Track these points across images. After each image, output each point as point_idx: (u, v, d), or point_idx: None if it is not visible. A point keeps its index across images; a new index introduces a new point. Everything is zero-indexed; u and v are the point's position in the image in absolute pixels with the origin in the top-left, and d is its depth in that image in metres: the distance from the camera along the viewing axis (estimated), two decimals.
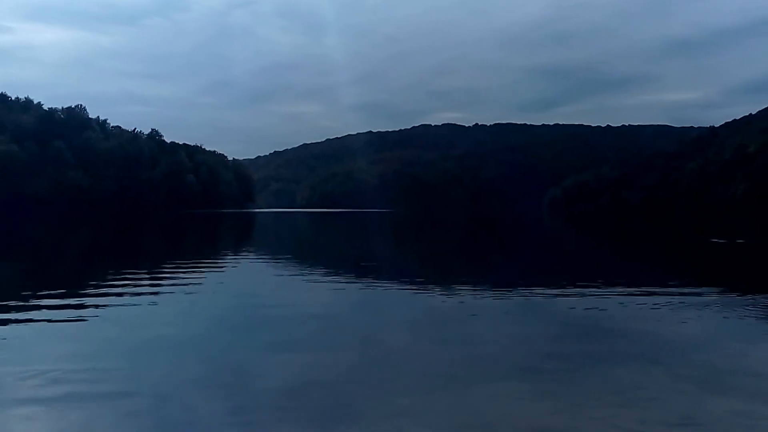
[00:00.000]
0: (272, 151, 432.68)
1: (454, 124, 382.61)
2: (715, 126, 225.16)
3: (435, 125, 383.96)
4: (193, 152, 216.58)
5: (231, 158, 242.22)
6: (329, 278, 21.82)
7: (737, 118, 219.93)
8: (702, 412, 7.52)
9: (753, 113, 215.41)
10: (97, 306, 15.08)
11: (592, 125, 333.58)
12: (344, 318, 14.45)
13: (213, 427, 7.20)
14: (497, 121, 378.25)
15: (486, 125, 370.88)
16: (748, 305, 15.29)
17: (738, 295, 16.87)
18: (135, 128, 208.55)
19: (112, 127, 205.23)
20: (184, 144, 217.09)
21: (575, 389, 8.52)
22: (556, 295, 17.05)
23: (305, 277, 22.38)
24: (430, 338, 12.10)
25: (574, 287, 18.46)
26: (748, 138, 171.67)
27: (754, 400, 7.89)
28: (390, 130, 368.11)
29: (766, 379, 8.97)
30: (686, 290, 17.69)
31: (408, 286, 19.27)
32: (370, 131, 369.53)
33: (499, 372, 9.42)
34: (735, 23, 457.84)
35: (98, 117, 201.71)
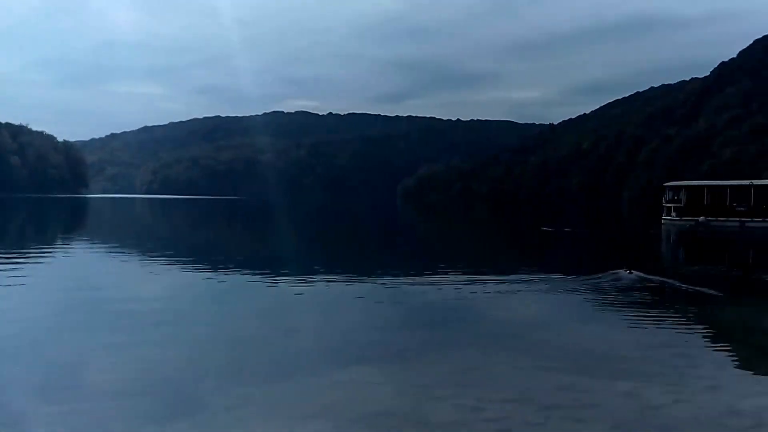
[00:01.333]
0: (109, 134, 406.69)
1: (308, 112, 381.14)
2: (554, 123, 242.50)
3: (288, 112, 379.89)
4: (18, 132, 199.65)
5: (62, 140, 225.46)
6: (170, 268, 21.03)
7: (573, 117, 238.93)
8: (535, 387, 8.03)
9: (587, 113, 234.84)
10: None
11: (444, 119, 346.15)
12: (186, 308, 14.00)
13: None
14: (352, 111, 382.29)
15: (340, 114, 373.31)
16: (573, 287, 16.72)
17: (564, 278, 18.42)
18: None
19: None
20: (7, 123, 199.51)
21: (419, 372, 8.81)
22: (405, 282, 17.53)
23: (143, 267, 21.42)
24: (275, 327, 12.00)
25: (422, 274, 19.09)
26: (582, 136, 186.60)
27: (581, 375, 8.56)
28: (240, 115, 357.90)
29: (592, 355, 9.77)
30: (523, 275, 18.88)
31: (255, 276, 19.02)
32: (219, 116, 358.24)
33: (345, 359, 9.51)
34: (571, 29, 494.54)
35: None
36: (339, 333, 11.46)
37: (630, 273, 19.29)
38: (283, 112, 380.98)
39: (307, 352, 10.00)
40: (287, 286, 16.85)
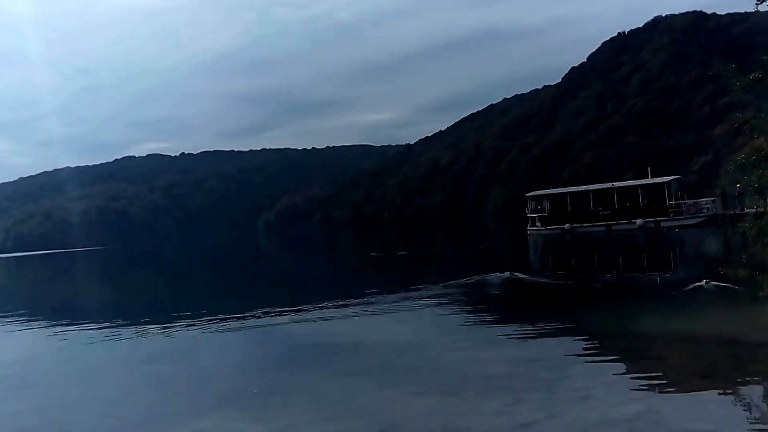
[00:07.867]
0: None
1: (160, 154, 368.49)
2: (411, 143, 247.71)
3: (140, 156, 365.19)
4: None
5: None
6: (30, 326, 20.15)
7: (429, 135, 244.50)
8: (404, 415, 7.87)
9: (442, 129, 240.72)
10: None
11: (299, 148, 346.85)
12: (50, 369, 13.49)
13: None
14: (205, 149, 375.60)
15: (193, 153, 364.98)
16: (443, 301, 17.07)
17: (430, 290, 18.83)
18: None
19: None
20: None
21: (286, 410, 8.55)
22: (269, 318, 16.97)
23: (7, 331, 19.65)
24: (141, 380, 11.53)
25: (287, 308, 18.46)
26: (440, 152, 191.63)
27: (450, 397, 8.50)
28: (91, 164, 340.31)
29: (461, 376, 9.67)
30: (389, 295, 18.77)
31: (120, 328, 17.67)
32: (69, 167, 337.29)
33: (209, 405, 9.17)
34: (418, 48, 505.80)
35: None
36: (203, 379, 11.09)
37: (511, 275, 19.83)
38: (134, 156, 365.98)
39: (171, 401, 9.75)
40: (152, 335, 16.08)
